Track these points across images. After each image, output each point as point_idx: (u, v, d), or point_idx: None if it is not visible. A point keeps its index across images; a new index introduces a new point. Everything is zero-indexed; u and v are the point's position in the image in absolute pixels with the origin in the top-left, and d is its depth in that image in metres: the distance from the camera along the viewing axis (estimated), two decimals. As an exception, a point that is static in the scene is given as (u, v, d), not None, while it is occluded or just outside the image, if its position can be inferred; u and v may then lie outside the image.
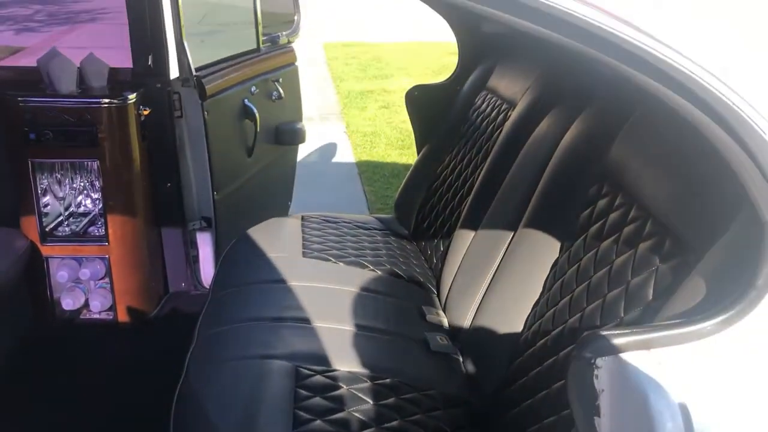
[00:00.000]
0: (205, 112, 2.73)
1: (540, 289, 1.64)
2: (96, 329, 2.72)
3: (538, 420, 1.38)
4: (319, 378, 1.61)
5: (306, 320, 1.83)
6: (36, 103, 2.44)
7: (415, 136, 2.95)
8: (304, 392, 1.55)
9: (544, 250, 1.67)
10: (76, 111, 2.45)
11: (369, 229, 2.60)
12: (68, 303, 2.67)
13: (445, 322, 2.04)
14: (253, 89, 3.06)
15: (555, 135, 1.84)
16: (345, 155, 5.77)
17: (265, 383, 1.57)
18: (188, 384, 1.60)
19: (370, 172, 5.32)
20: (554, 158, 1.78)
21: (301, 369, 1.62)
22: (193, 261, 3.00)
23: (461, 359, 1.87)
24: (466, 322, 1.91)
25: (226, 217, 2.96)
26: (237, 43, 3.11)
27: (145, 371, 2.40)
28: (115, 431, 2.19)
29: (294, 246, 2.28)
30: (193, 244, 2.97)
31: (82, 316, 2.74)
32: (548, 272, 1.64)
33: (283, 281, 2.02)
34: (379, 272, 2.22)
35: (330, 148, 5.87)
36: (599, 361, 0.92)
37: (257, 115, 2.98)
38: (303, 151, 5.38)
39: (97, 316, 2.74)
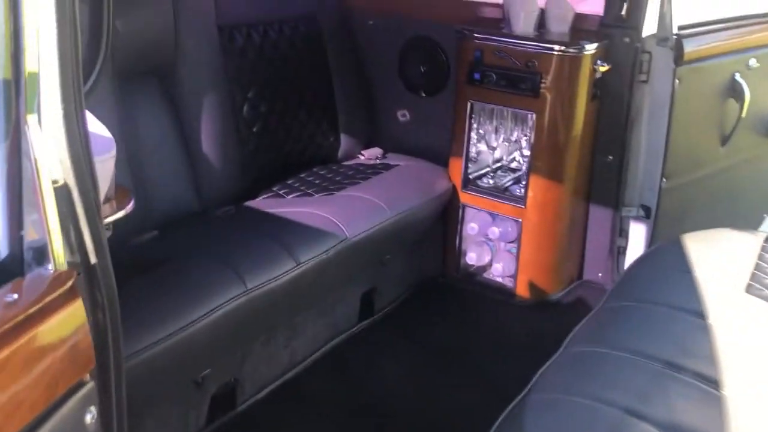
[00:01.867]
0: (677, 80, 2.22)
1: None
2: (491, 291, 2.54)
3: None
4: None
5: (714, 383, 1.26)
6: (487, 40, 2.28)
7: None
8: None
9: None
10: (523, 55, 2.21)
11: None
12: (473, 257, 2.54)
13: None
14: (751, 62, 2.39)
15: None
16: None
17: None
18: (524, 403, 1.24)
19: None
20: None
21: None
22: (618, 252, 2.56)
23: None
24: None
25: (672, 211, 2.42)
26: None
27: (522, 354, 2.13)
28: (461, 406, 1.98)
29: (738, 273, 1.65)
30: (623, 233, 2.52)
31: (484, 274, 2.59)
32: None
33: (702, 316, 1.46)
34: None
35: None
36: None
37: (747, 94, 2.32)
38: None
39: (498, 279, 2.55)
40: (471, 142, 2.48)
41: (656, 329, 1.45)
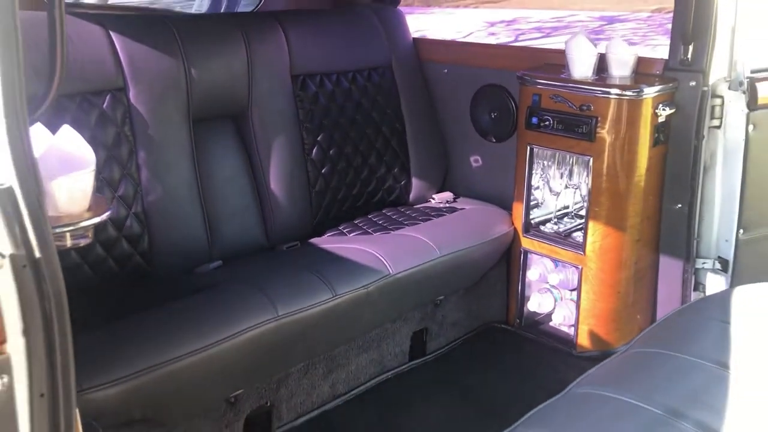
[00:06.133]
0: (751, 125, 2.11)
1: None
2: (552, 341, 2.47)
3: None
4: None
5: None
6: (544, 85, 2.28)
7: None
8: None
9: None
10: (578, 98, 2.19)
11: None
12: (536, 305, 2.49)
13: None
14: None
15: None
16: None
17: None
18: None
19: None
20: None
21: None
22: (695, 306, 2.41)
23: None
24: None
25: (752, 265, 2.26)
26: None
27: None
28: None
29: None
30: (699, 287, 2.37)
31: (549, 324, 2.53)
32: None
33: (724, 366, 1.37)
34: None
35: None
36: None
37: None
38: None
39: (561, 328, 2.48)
40: (534, 187, 2.47)
41: (670, 376, 1.37)
